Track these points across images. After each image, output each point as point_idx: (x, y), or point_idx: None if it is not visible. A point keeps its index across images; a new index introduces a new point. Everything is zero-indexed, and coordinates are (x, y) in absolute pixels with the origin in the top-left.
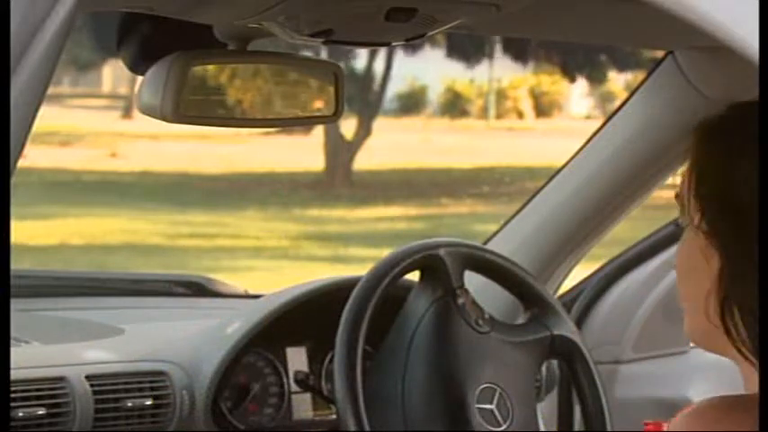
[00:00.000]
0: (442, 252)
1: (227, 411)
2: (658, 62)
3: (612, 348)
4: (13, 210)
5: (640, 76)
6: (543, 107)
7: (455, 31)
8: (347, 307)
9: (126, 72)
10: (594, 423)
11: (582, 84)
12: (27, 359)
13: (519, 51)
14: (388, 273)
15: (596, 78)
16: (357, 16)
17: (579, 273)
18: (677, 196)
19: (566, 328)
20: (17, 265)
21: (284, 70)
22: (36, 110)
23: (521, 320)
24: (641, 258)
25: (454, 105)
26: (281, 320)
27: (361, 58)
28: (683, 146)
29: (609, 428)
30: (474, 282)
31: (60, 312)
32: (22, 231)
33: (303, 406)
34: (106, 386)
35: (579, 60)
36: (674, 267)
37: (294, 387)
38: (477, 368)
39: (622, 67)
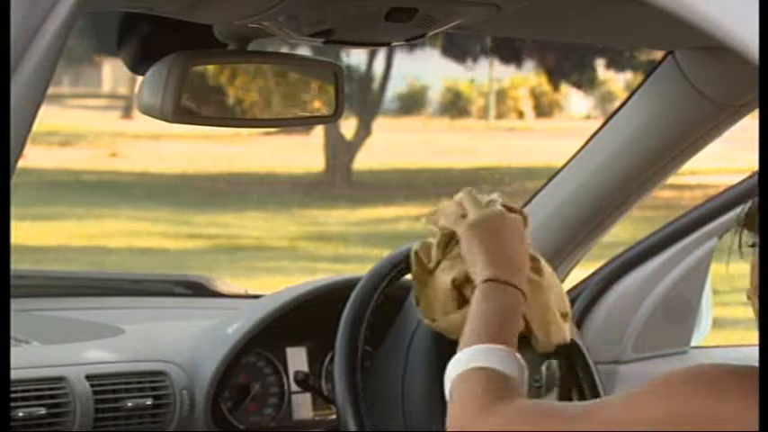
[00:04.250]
0: None
1: (227, 411)
2: (658, 62)
3: (612, 348)
4: (13, 210)
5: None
6: (543, 107)
7: (455, 31)
8: (347, 307)
9: (126, 72)
10: None
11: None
12: (27, 359)
13: (513, 56)
14: (387, 273)
15: (587, 83)
16: (357, 16)
17: (579, 273)
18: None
19: None
20: (17, 265)
21: (284, 70)
22: (36, 110)
23: None
24: (641, 258)
25: (454, 105)
26: (281, 320)
27: (361, 58)
28: (683, 146)
29: None
30: None
31: (60, 312)
32: (22, 231)
33: (303, 406)
34: (106, 386)
35: (570, 65)
36: (674, 266)
37: (294, 387)
38: None
39: (617, 69)
